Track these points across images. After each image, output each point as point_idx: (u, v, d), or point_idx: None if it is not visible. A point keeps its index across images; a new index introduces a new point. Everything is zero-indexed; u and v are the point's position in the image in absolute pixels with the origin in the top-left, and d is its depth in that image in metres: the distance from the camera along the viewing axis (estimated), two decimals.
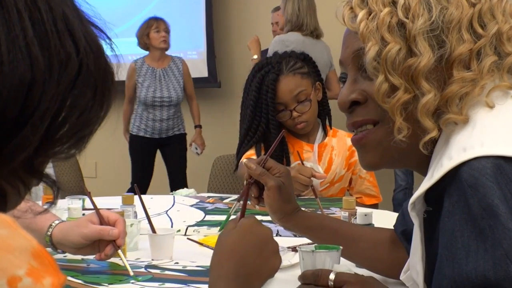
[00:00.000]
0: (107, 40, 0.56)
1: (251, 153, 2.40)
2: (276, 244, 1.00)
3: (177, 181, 4.51)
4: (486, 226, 0.73)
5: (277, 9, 4.55)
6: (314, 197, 2.11)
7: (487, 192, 0.73)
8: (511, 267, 0.71)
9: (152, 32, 4.51)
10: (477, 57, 0.85)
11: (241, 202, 1.23)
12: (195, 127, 4.80)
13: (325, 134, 2.51)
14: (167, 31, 4.54)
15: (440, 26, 0.86)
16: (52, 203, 0.58)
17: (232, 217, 1.29)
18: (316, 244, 1.26)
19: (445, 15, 0.86)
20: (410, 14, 0.86)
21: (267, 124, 2.36)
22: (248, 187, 1.30)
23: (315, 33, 3.96)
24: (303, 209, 1.36)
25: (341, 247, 1.23)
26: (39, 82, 0.48)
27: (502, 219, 0.72)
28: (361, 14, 0.90)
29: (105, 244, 1.42)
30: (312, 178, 2.19)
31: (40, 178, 0.52)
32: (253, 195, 1.32)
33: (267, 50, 4.01)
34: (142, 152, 4.69)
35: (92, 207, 1.52)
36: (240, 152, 2.44)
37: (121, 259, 1.42)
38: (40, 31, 0.48)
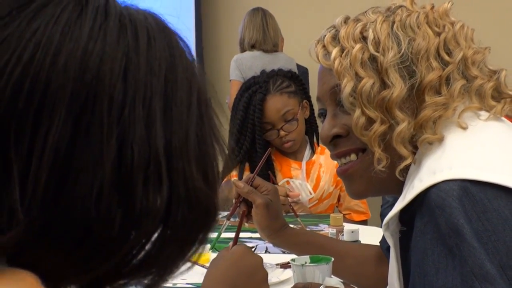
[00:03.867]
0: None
1: (234, 174, 2.43)
2: (265, 272, 1.04)
3: None
4: (453, 244, 0.76)
5: None
6: (294, 215, 2.13)
7: (453, 212, 0.77)
8: (476, 283, 0.75)
9: None
10: (447, 83, 0.89)
11: (232, 219, 1.27)
12: None
13: (313, 151, 2.54)
14: None
15: (410, 57, 0.89)
16: None
17: (226, 234, 1.32)
18: (310, 256, 1.29)
19: (413, 46, 0.90)
20: (381, 48, 0.90)
21: (253, 144, 2.39)
22: (236, 205, 1.33)
23: (264, 47, 3.85)
24: (291, 225, 1.39)
25: (332, 259, 1.25)
26: (110, 240, 0.45)
27: (468, 237, 0.75)
28: (334, 52, 0.93)
29: None
30: (300, 197, 2.22)
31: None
32: (241, 213, 1.35)
33: None
34: None
35: None
36: (224, 172, 2.45)
37: None
38: (122, 177, 0.44)
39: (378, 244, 1.29)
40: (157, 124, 0.45)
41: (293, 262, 1.26)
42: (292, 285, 1.22)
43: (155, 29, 0.48)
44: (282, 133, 2.41)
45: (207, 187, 0.48)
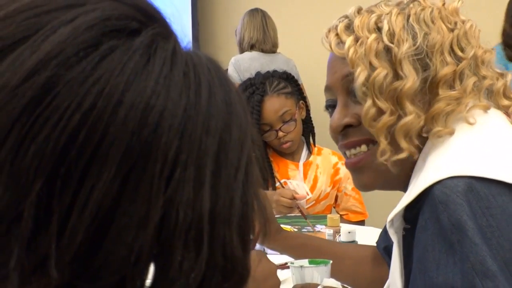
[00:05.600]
0: None
1: None
2: (278, 281, 1.04)
3: None
4: (455, 240, 0.77)
5: None
6: (301, 216, 2.14)
7: (457, 209, 0.77)
8: (477, 280, 0.75)
9: None
10: (460, 78, 0.90)
11: None
12: None
13: (310, 152, 2.55)
14: None
15: (424, 50, 0.90)
16: None
17: None
18: (308, 259, 1.30)
19: (428, 39, 0.90)
20: (395, 40, 0.90)
21: None
22: None
23: (263, 47, 3.87)
24: (286, 228, 1.39)
25: (330, 261, 1.26)
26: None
27: (470, 234, 0.76)
28: (348, 40, 0.93)
29: None
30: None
31: None
32: None
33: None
34: None
35: None
36: None
37: None
38: (163, 239, 0.42)
39: (375, 244, 1.30)
40: (205, 187, 0.42)
41: (292, 264, 1.27)
42: (290, 286, 1.23)
43: (216, 83, 0.45)
44: (280, 134, 2.41)
45: (244, 254, 0.46)
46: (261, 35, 3.85)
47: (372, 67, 0.90)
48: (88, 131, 0.39)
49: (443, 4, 0.96)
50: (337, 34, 0.96)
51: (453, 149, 0.85)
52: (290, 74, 2.54)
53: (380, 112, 0.89)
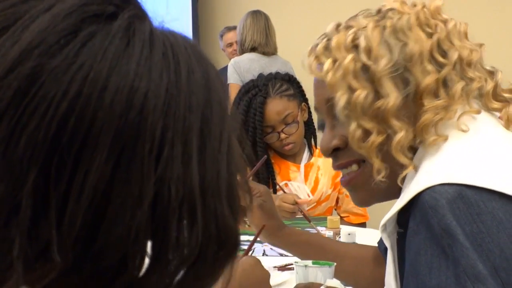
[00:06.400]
0: None
1: None
2: (270, 287, 1.04)
3: None
4: (446, 245, 0.77)
5: (230, 29, 4.59)
6: (303, 218, 2.15)
7: (446, 214, 0.77)
8: (469, 283, 0.75)
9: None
10: (444, 85, 0.89)
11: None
12: None
13: (311, 154, 2.55)
14: None
15: (403, 64, 0.88)
16: None
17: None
18: (312, 260, 1.30)
19: (406, 51, 0.89)
20: (373, 57, 0.89)
21: (253, 146, 2.40)
22: None
23: (265, 50, 3.88)
24: (298, 228, 1.40)
25: (334, 264, 1.27)
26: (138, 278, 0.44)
27: (460, 238, 0.76)
28: (326, 64, 0.92)
29: None
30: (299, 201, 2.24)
31: None
32: (261, 227, 1.37)
33: (226, 66, 4.04)
34: None
35: None
36: None
37: None
38: (158, 216, 0.43)
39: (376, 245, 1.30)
40: (193, 162, 0.44)
41: (296, 263, 1.28)
42: (291, 287, 1.23)
43: (194, 61, 0.46)
44: (282, 135, 2.42)
45: (234, 222, 0.47)
46: (264, 38, 3.87)
47: (351, 89, 0.89)
48: (77, 118, 0.39)
49: (423, 7, 0.93)
50: (316, 56, 0.96)
51: (445, 155, 0.85)
52: (292, 76, 2.54)
53: (367, 132, 0.89)
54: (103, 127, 0.40)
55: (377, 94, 0.89)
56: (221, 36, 4.59)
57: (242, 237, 1.47)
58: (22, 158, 0.39)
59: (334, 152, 0.99)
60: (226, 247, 0.47)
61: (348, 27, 0.95)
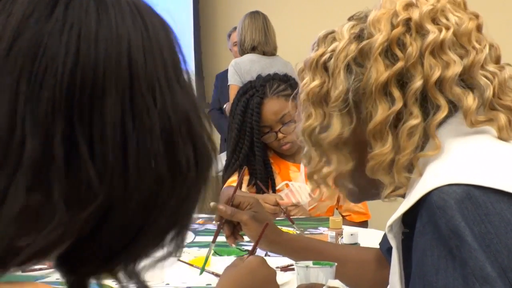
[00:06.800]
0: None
1: (233, 180, 2.44)
2: (277, 286, 1.04)
3: None
4: (453, 246, 0.77)
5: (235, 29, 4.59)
6: (287, 219, 2.13)
7: (455, 215, 0.77)
8: (477, 285, 0.75)
9: None
10: (395, 125, 0.87)
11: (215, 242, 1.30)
12: None
13: None
14: None
15: (351, 101, 0.89)
16: None
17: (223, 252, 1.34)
18: (313, 261, 1.30)
19: (359, 86, 0.89)
20: (332, 86, 0.90)
21: (251, 147, 2.41)
22: (219, 228, 1.35)
23: (265, 49, 3.89)
24: (285, 230, 1.39)
25: (335, 264, 1.26)
26: (163, 197, 0.50)
27: (469, 239, 0.76)
28: (301, 85, 0.96)
29: None
30: (299, 198, 2.23)
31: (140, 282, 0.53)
32: (226, 235, 1.37)
33: (227, 70, 4.04)
34: None
35: None
36: (225, 177, 2.48)
37: None
38: (167, 141, 0.49)
39: (378, 246, 1.30)
40: (178, 90, 0.51)
41: (297, 264, 1.27)
42: (294, 287, 1.23)
43: (149, 9, 0.52)
44: (280, 135, 2.42)
45: (210, 143, 0.54)
46: (263, 37, 3.87)
47: (309, 116, 0.93)
48: (82, 70, 0.45)
49: (408, 20, 0.88)
50: (302, 70, 0.98)
51: (452, 156, 0.85)
52: (291, 76, 2.55)
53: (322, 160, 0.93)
54: (105, 73, 0.46)
55: (326, 126, 0.91)
56: (229, 35, 4.58)
57: (246, 238, 1.46)
58: (47, 113, 0.44)
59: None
60: (212, 162, 0.53)
61: (328, 43, 0.95)
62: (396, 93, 0.86)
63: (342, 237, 1.73)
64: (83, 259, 0.50)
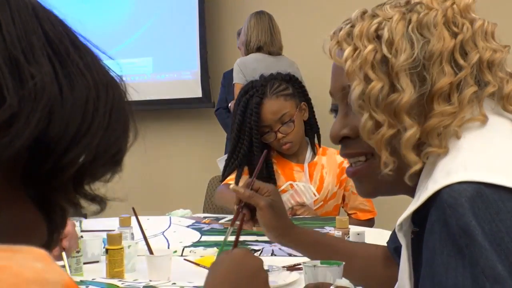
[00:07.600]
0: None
1: (231, 178, 2.45)
2: (266, 274, 1.03)
3: None
4: (463, 244, 0.76)
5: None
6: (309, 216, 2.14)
7: (465, 213, 0.76)
8: (487, 284, 0.74)
9: None
10: (457, 89, 0.88)
11: (235, 225, 1.27)
12: None
13: (314, 153, 2.55)
14: None
15: (422, 62, 0.88)
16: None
17: (231, 237, 1.33)
18: (321, 260, 1.30)
19: (427, 49, 0.88)
20: (393, 50, 0.89)
21: (250, 147, 2.41)
22: (238, 211, 1.34)
23: (271, 49, 3.91)
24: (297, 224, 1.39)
25: (343, 263, 1.26)
26: (91, 103, 0.53)
27: (479, 238, 0.75)
28: (346, 52, 0.92)
29: None
30: (304, 198, 2.23)
31: (92, 197, 0.56)
32: (245, 219, 1.35)
33: (232, 70, 4.04)
34: None
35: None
36: (224, 175, 2.49)
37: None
38: (86, 63, 0.55)
39: (385, 244, 1.30)
40: (96, 63, 0.56)
41: (305, 264, 1.27)
42: (301, 287, 1.22)
43: None
44: (279, 135, 2.43)
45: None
46: (269, 37, 3.88)
47: (368, 80, 0.89)
48: (18, 32, 0.51)
49: (452, 4, 0.92)
50: (338, 42, 0.96)
51: (462, 154, 0.84)
52: (293, 76, 2.55)
53: (378, 124, 0.89)
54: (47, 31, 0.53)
55: (393, 88, 0.88)
56: (238, 34, 4.59)
57: (250, 237, 1.46)
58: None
59: (343, 140, 0.99)
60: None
61: (373, 16, 0.94)
62: (461, 61, 0.88)
63: (348, 237, 1.73)
64: (41, 168, 0.52)
